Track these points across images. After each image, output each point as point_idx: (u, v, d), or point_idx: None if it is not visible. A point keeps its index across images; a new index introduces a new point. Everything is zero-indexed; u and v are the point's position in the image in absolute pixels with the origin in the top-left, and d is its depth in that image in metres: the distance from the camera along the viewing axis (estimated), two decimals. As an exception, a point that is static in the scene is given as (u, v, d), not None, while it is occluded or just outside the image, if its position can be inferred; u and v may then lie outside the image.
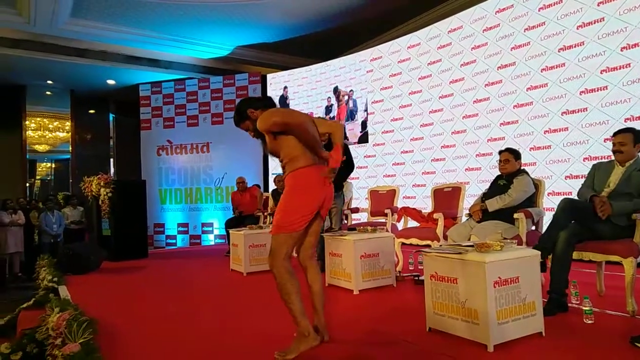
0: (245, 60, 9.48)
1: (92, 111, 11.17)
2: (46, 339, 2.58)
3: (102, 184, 6.12)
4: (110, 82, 9.84)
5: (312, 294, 2.38)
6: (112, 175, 6.42)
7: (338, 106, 8.14)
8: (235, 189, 6.94)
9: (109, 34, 8.03)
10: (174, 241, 9.39)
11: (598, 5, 4.70)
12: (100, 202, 6.17)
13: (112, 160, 11.85)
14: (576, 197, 3.08)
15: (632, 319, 2.61)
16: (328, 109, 8.32)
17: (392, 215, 4.67)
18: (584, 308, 2.58)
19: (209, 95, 9.36)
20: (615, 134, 3.00)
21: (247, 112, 2.29)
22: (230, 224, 6.10)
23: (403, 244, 4.25)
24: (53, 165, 17.11)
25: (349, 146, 4.92)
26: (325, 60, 8.63)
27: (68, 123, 13.11)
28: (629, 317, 2.62)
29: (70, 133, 11.06)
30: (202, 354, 2.34)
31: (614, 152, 2.96)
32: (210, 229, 9.24)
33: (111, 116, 11.60)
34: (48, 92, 10.81)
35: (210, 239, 9.20)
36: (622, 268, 2.71)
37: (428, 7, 7.31)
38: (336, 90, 8.16)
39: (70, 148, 10.98)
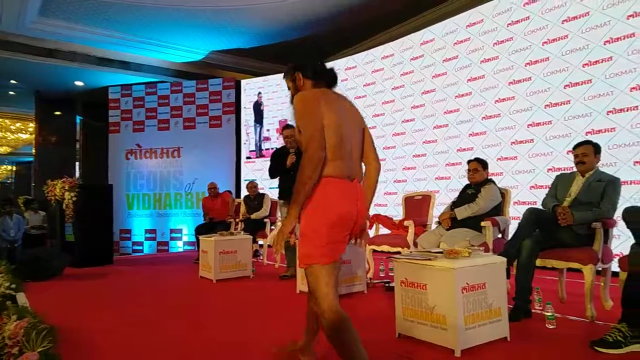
0: (220, 65, 9.40)
1: (57, 113, 10.80)
2: (2, 348, 2.47)
3: (66, 187, 5.92)
4: (79, 83, 9.55)
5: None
6: (77, 179, 6.19)
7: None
8: (206, 194, 6.84)
9: (79, 35, 7.80)
10: (140, 247, 9.14)
11: (562, 23, 4.91)
12: (64, 207, 5.96)
13: (77, 163, 11.47)
14: (541, 207, 3.19)
15: (592, 324, 2.71)
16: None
17: (364, 222, 4.70)
18: (546, 314, 2.67)
19: (182, 100, 9.21)
20: (577, 146, 3.13)
21: (295, 74, 1.90)
22: (200, 231, 6.00)
23: (374, 250, 4.28)
24: (14, 168, 16.43)
25: None
26: (299, 67, 8.64)
27: (31, 124, 12.65)
28: (589, 322, 2.72)
29: (34, 135, 10.65)
30: (178, 355, 2.28)
31: (577, 163, 3.09)
32: (179, 235, 9.05)
33: (78, 118, 11.25)
34: (11, 93, 10.40)
35: (178, 246, 9.00)
36: (582, 275, 2.81)
37: (402, 19, 7.46)
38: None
39: (34, 150, 10.57)
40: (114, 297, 4.07)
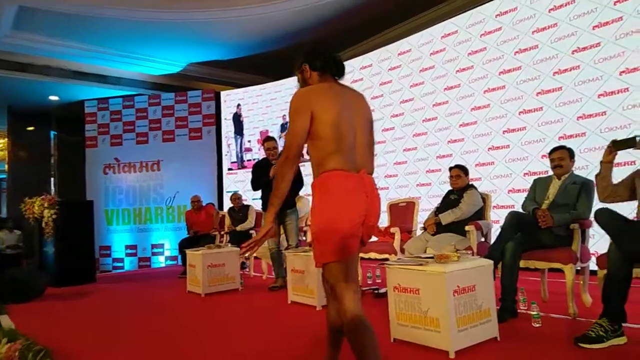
0: (199, 77, 9.39)
1: (30, 128, 10.56)
2: (-9, 371, 2.42)
3: (45, 205, 5.78)
4: (53, 98, 9.37)
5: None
6: (53, 195, 6.07)
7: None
8: (189, 207, 6.80)
9: (54, 48, 7.69)
10: (121, 264, 8.97)
11: (532, 33, 5.15)
12: (43, 225, 5.82)
13: (52, 179, 11.20)
14: (521, 210, 3.33)
15: (574, 320, 2.84)
16: (284, 127, 8.40)
17: (350, 230, 4.77)
18: (531, 313, 2.78)
19: (160, 112, 9.15)
20: (553, 151, 3.29)
21: (303, 66, 1.88)
22: (184, 245, 5.96)
23: (362, 258, 4.35)
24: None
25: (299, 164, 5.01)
26: (280, 79, 8.74)
27: (1, 141, 12.29)
28: (571, 319, 2.86)
29: (6, 151, 10.37)
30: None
31: (554, 167, 3.24)
32: (161, 250, 8.93)
33: (52, 133, 11.01)
34: (-18, 108, 10.12)
35: (160, 261, 8.88)
36: (563, 275, 2.95)
37: (379, 30, 7.65)
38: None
39: (7, 167, 10.28)
40: (102, 316, 4.01)
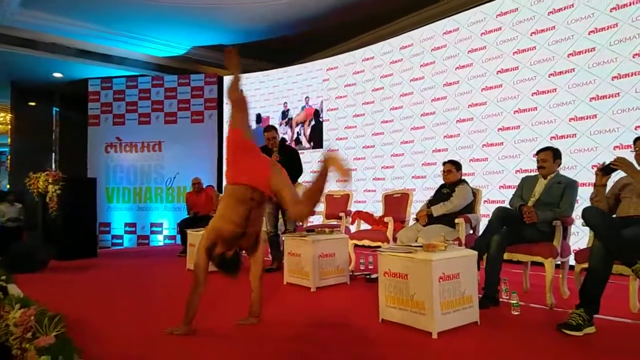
0: (202, 60, 9.46)
1: (32, 103, 10.63)
2: (6, 335, 2.59)
3: (50, 180, 5.94)
4: (57, 75, 9.44)
5: None
6: (57, 171, 6.21)
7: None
8: (189, 189, 6.96)
9: (60, 27, 7.74)
10: (120, 241, 9.17)
11: (531, 35, 5.29)
12: (47, 200, 5.99)
13: (53, 155, 11.32)
14: (508, 206, 3.52)
15: (551, 310, 3.05)
16: (284, 114, 8.54)
17: (346, 218, 4.98)
18: (512, 302, 2.99)
19: (163, 94, 9.25)
20: (538, 152, 3.49)
21: None
22: (185, 225, 6.14)
23: (356, 245, 4.55)
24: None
25: (299, 152, 5.20)
26: (282, 66, 8.84)
27: (3, 115, 12.36)
28: (548, 310, 3.07)
29: (9, 126, 10.47)
30: (178, 343, 2.48)
31: (538, 167, 3.45)
32: (160, 229, 9.12)
33: (55, 110, 11.09)
34: (-14, 82, 10.18)
35: (159, 240, 9.07)
36: (544, 268, 3.16)
37: (382, 23, 7.74)
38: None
39: (9, 140, 10.38)
40: (106, 287, 4.21)
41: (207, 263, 2.61)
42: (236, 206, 2.54)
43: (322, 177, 2.31)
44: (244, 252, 2.76)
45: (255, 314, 2.80)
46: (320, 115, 7.97)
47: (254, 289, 2.77)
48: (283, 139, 6.01)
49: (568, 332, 2.47)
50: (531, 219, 3.22)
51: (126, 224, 9.15)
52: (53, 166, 11.02)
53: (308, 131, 8.20)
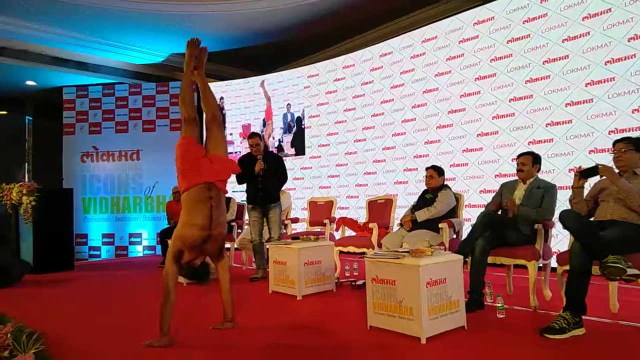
0: (181, 67, 9.18)
1: (3, 112, 10.30)
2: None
3: (24, 191, 5.76)
4: (30, 83, 9.18)
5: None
6: (32, 182, 6.02)
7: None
8: (169, 198, 6.84)
9: (32, 33, 7.53)
10: (97, 252, 8.92)
11: (507, 43, 5.42)
12: (21, 212, 5.79)
13: (26, 165, 10.97)
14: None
15: (535, 312, 3.11)
16: (265, 122, 8.50)
17: (331, 224, 4.97)
18: (497, 305, 3.04)
19: (141, 102, 9.10)
20: (518, 156, 3.57)
21: None
22: (165, 235, 6.03)
23: (341, 252, 4.54)
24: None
25: (283, 159, 5.19)
26: (262, 73, 8.81)
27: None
28: (532, 312, 3.12)
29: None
30: (159, 356, 2.41)
31: (517, 171, 3.53)
32: (139, 239, 8.92)
33: (27, 118, 10.77)
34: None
35: (138, 250, 8.87)
36: (527, 271, 3.21)
37: (362, 31, 7.82)
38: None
39: (-22, 151, 10.02)
40: (85, 302, 4.08)
41: (176, 272, 2.68)
42: (197, 208, 2.62)
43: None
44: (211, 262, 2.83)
45: (229, 318, 2.87)
46: (303, 122, 7.97)
47: (224, 292, 2.84)
48: (266, 146, 5.98)
49: (550, 336, 2.49)
50: (512, 209, 3.31)
51: (104, 235, 8.92)
52: (26, 177, 10.68)
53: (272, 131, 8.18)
